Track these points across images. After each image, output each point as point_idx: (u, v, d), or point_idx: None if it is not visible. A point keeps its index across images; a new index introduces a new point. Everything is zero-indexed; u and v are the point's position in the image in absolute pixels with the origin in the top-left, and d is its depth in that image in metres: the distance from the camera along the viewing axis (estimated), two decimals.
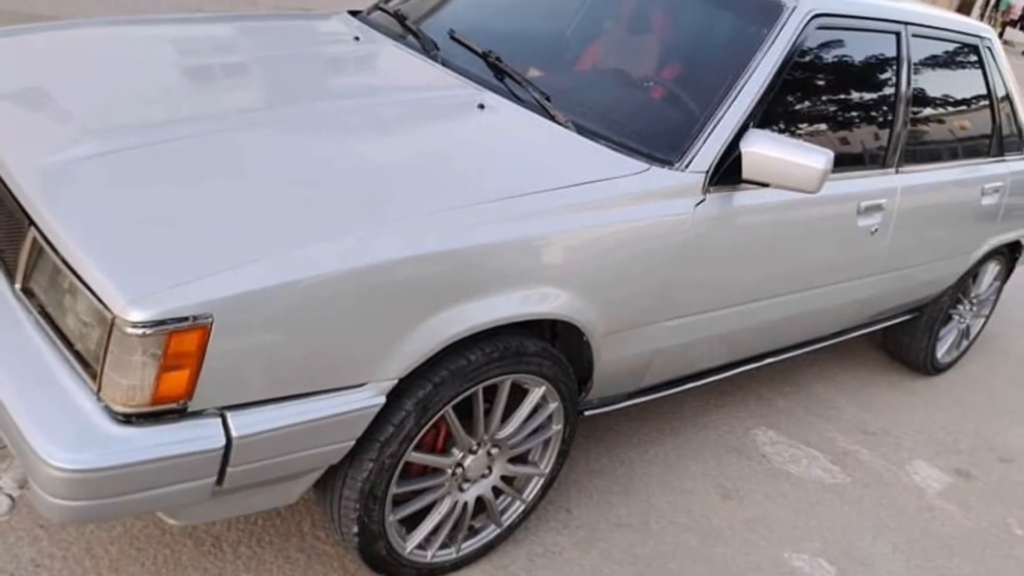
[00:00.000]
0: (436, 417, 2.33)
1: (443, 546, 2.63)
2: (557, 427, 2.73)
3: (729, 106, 2.82)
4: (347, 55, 3.24)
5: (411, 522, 2.54)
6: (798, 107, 3.11)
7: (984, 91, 4.15)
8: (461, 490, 2.59)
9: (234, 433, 1.91)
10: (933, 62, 3.79)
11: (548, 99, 2.86)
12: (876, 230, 3.48)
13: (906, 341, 4.71)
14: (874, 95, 3.48)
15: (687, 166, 2.71)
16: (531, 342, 2.46)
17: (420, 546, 2.57)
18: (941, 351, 4.80)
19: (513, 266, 2.27)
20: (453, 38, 3.21)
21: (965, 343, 5.03)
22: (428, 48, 3.21)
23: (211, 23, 3.37)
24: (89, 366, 1.88)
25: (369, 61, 3.23)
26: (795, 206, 3.04)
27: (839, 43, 3.26)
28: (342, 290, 1.97)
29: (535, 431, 2.69)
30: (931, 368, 4.79)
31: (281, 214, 2.07)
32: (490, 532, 2.76)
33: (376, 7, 3.70)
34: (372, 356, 2.08)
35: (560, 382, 2.61)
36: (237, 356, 1.88)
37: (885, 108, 3.51)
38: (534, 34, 3.49)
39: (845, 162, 3.32)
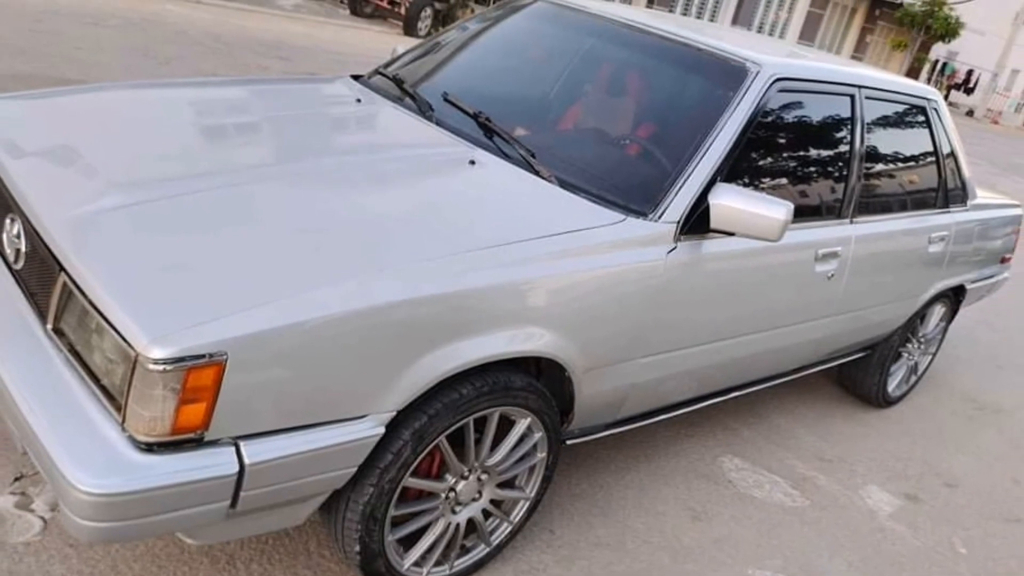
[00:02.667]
0: (431, 446, 2.35)
1: (437, 564, 2.64)
2: (541, 455, 2.75)
3: (698, 162, 2.85)
4: (350, 115, 3.28)
5: (408, 541, 2.55)
6: (761, 163, 3.15)
7: (931, 148, 4.19)
8: (454, 512, 2.60)
9: (247, 460, 1.92)
10: (884, 122, 3.83)
11: (533, 156, 2.90)
12: (832, 275, 3.52)
13: (860, 376, 4.73)
14: (830, 152, 3.52)
15: (660, 217, 2.74)
16: (518, 377, 2.48)
17: (416, 563, 2.57)
18: (892, 385, 4.83)
19: (501, 308, 2.30)
20: (446, 100, 3.25)
21: (914, 378, 5.05)
22: (424, 109, 3.25)
23: (225, 86, 3.41)
24: (114, 399, 1.90)
25: (370, 121, 3.27)
26: (758, 253, 3.07)
27: (798, 104, 3.29)
28: (345, 330, 2.00)
29: (521, 458, 2.70)
30: (882, 401, 4.81)
31: (289, 260, 2.10)
32: (480, 551, 2.77)
33: (376, 72, 3.75)
34: (372, 390, 2.10)
35: (544, 414, 2.63)
36: (249, 390, 1.90)
37: (841, 164, 3.55)
38: (520, 96, 3.53)
39: (804, 213, 3.35)
